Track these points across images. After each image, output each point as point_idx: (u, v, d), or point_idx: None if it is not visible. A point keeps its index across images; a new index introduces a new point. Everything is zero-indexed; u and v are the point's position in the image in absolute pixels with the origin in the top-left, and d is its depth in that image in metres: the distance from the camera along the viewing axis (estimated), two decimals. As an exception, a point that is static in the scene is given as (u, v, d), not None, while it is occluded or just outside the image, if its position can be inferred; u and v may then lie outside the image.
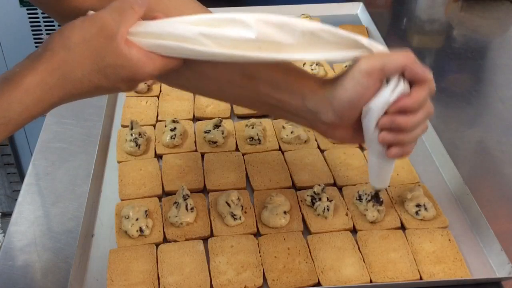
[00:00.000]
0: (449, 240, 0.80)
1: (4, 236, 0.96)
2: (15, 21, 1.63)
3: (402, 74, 0.64)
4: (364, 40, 0.64)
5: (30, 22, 1.64)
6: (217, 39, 0.61)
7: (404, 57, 0.64)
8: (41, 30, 1.65)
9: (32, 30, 1.65)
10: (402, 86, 0.64)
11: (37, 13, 1.63)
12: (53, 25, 1.64)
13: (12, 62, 1.65)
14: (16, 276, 0.76)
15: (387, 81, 0.64)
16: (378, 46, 0.65)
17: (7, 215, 2.01)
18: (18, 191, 0.91)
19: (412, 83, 0.64)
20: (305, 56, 0.64)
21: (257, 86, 0.70)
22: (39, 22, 1.65)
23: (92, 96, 0.62)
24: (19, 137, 1.89)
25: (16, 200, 0.89)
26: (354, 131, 0.69)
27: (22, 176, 1.95)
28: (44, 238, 0.82)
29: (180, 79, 0.73)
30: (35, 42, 1.67)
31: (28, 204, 0.87)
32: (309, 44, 0.63)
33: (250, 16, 0.62)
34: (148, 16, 0.63)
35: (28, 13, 1.63)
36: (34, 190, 0.90)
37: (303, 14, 1.36)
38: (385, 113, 0.65)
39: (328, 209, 0.83)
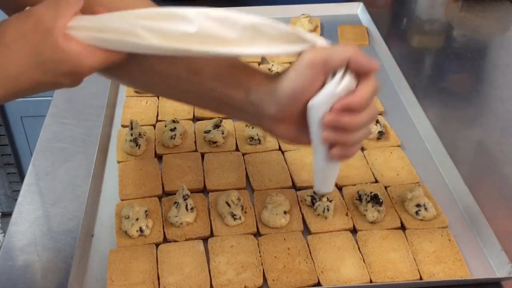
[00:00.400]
0: (449, 240, 0.80)
1: (4, 236, 0.96)
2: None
3: (348, 70, 0.62)
4: (307, 34, 0.64)
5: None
6: (158, 32, 0.61)
7: (349, 49, 0.62)
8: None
9: (32, 30, 1.65)
10: (348, 80, 0.62)
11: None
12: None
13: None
14: (16, 276, 0.76)
15: (333, 75, 0.62)
16: (322, 41, 0.64)
17: (7, 215, 2.01)
18: (18, 191, 0.91)
19: (358, 80, 0.63)
20: (247, 50, 0.63)
21: (202, 80, 0.69)
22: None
23: (35, 93, 0.61)
24: (19, 137, 1.89)
25: (16, 200, 0.89)
26: (298, 128, 0.67)
27: (22, 176, 1.95)
28: (44, 238, 0.82)
29: (128, 75, 0.73)
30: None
31: (28, 204, 0.87)
32: (252, 38, 0.62)
33: (191, 10, 0.61)
34: (89, 10, 0.62)
35: (28, 13, 1.63)
36: (34, 190, 0.90)
37: (303, 14, 1.36)
38: (330, 111, 0.63)
39: (328, 209, 0.83)
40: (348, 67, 0.62)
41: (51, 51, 0.57)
